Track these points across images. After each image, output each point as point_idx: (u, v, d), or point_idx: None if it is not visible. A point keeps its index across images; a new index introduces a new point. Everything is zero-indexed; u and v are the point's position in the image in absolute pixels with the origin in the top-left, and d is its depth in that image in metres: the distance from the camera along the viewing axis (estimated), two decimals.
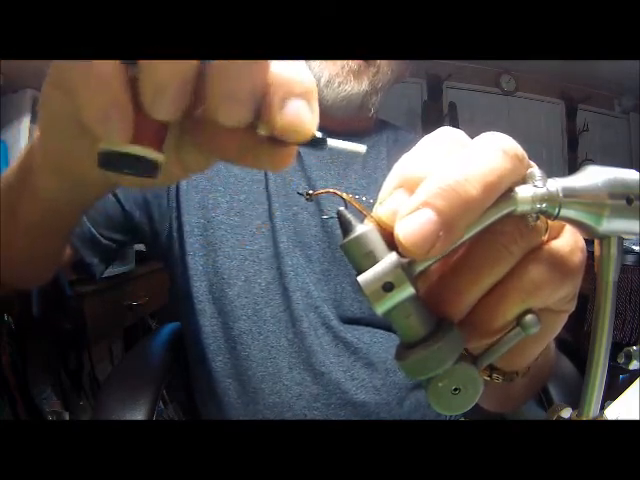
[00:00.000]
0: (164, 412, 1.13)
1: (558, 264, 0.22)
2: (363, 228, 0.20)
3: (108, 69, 0.19)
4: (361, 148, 0.22)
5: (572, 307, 0.25)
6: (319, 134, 0.21)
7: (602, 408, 0.24)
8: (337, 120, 0.68)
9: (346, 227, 0.21)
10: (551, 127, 3.33)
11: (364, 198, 0.24)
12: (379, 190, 0.22)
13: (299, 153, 0.69)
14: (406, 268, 0.20)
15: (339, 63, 0.65)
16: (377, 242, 0.20)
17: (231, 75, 0.19)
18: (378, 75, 0.67)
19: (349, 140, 0.72)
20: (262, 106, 0.20)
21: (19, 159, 0.33)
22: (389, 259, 0.20)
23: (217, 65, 0.19)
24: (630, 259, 1.80)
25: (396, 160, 0.23)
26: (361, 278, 0.20)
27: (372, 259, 0.20)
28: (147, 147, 0.20)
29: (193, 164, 0.25)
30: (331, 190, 0.23)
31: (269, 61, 0.20)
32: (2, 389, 0.98)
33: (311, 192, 0.23)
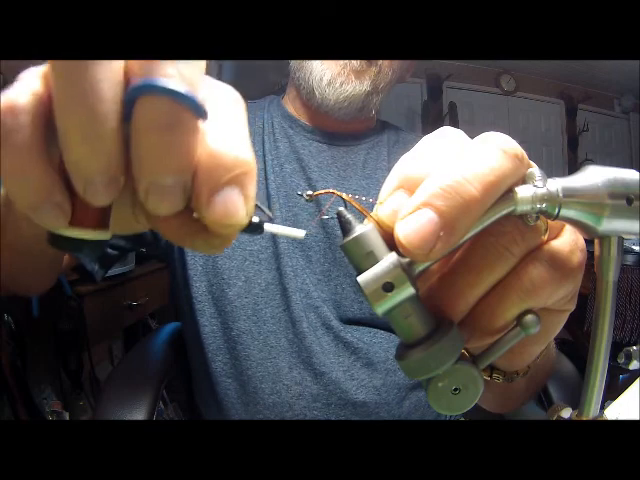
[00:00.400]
0: (164, 412, 1.13)
1: (558, 264, 0.22)
2: (363, 228, 0.20)
3: (30, 164, 0.17)
4: (300, 233, 0.21)
5: (572, 306, 0.25)
6: (256, 219, 0.20)
7: (602, 408, 0.24)
8: (338, 121, 0.69)
9: (346, 227, 0.21)
10: (551, 127, 3.33)
11: (363, 198, 0.24)
12: (380, 191, 0.22)
13: (299, 155, 0.69)
14: (406, 268, 0.20)
15: (341, 63, 0.65)
16: (377, 242, 0.20)
17: (154, 168, 0.17)
18: (380, 75, 0.67)
19: (349, 142, 0.73)
20: (192, 194, 0.18)
21: None
22: (389, 259, 0.20)
23: (140, 156, 0.17)
24: (630, 259, 1.80)
25: (397, 161, 0.22)
26: (361, 278, 0.20)
27: (372, 259, 0.20)
28: (90, 229, 0.19)
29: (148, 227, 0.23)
30: (330, 190, 0.23)
31: (199, 141, 0.18)
32: (2, 389, 0.98)
33: (310, 192, 0.23)
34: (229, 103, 0.20)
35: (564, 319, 0.26)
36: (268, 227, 0.20)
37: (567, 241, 0.23)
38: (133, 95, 0.16)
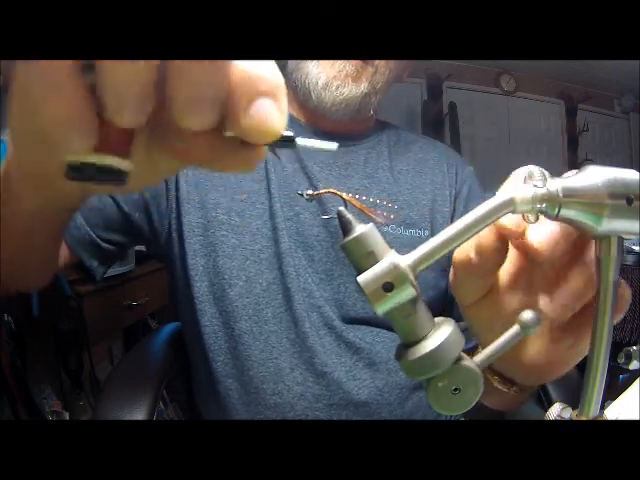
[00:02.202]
0: (164, 412, 1.13)
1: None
2: (363, 228, 0.20)
3: (65, 80, 0.18)
4: (332, 146, 0.22)
5: None
6: (288, 133, 0.20)
7: (602, 408, 0.24)
8: (336, 122, 0.68)
9: (346, 227, 0.21)
10: (551, 127, 3.33)
11: (364, 197, 0.24)
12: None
13: (299, 155, 0.69)
14: (406, 268, 0.20)
15: (336, 67, 0.65)
16: (377, 242, 0.20)
17: (192, 78, 0.18)
18: (376, 75, 0.67)
19: (349, 142, 0.73)
20: (228, 107, 0.19)
21: (2, 166, 0.32)
22: (389, 259, 0.20)
23: (177, 68, 0.18)
24: (630, 259, 1.79)
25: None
26: (361, 278, 0.20)
27: (372, 259, 0.20)
28: (113, 155, 0.19)
29: (164, 168, 0.24)
30: (331, 190, 0.23)
31: (233, 66, 0.18)
32: (2, 389, 0.98)
33: (310, 192, 0.23)
34: None
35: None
36: (300, 141, 0.21)
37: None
38: None
